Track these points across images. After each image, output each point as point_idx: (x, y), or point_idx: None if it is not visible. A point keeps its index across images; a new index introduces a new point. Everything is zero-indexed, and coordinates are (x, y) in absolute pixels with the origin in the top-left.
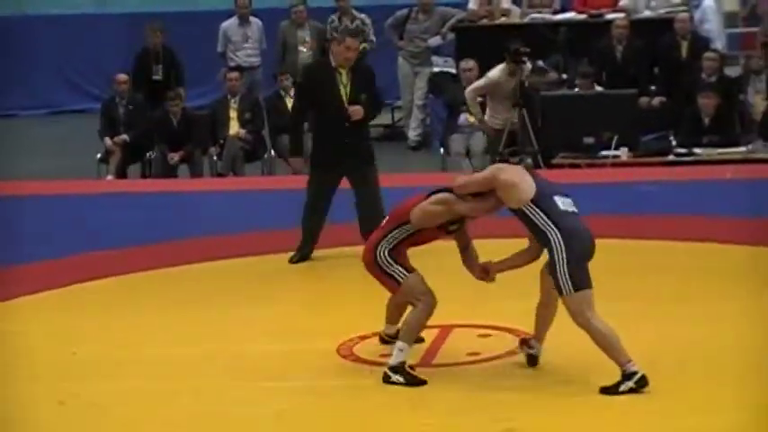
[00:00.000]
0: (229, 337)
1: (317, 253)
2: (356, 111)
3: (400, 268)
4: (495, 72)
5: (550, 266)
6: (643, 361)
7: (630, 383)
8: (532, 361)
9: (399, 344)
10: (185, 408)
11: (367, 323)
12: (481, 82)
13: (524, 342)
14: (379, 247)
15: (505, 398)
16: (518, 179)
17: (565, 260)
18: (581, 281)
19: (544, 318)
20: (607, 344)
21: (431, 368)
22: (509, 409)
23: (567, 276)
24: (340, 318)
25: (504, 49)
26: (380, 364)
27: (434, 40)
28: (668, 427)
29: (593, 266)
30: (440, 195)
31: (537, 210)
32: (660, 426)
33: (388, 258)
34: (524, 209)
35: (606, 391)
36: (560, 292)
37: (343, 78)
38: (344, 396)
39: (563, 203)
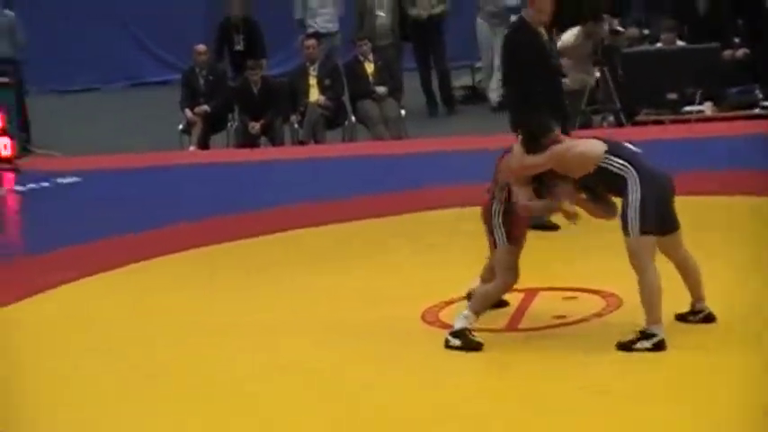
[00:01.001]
0: (313, 305)
1: (403, 217)
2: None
3: (503, 232)
4: (569, 36)
5: (623, 206)
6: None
7: (647, 343)
8: (709, 318)
9: (466, 312)
10: (283, 381)
11: (452, 288)
12: (558, 44)
13: (692, 310)
14: (495, 202)
15: (593, 361)
16: (582, 146)
17: (638, 200)
18: (649, 225)
19: (688, 277)
20: (648, 297)
21: (517, 332)
22: (597, 374)
23: (638, 217)
24: (425, 283)
25: (579, 15)
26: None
27: (512, 0)
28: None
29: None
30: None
31: (611, 157)
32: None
33: (500, 218)
34: (601, 164)
35: (623, 347)
36: (625, 232)
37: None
38: (429, 362)
39: (633, 147)
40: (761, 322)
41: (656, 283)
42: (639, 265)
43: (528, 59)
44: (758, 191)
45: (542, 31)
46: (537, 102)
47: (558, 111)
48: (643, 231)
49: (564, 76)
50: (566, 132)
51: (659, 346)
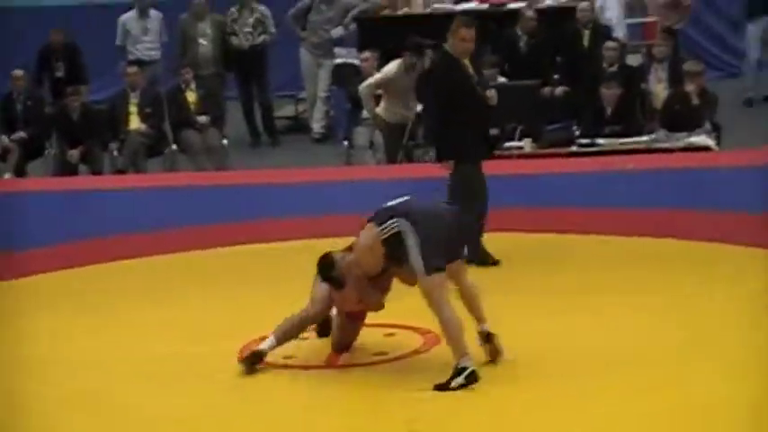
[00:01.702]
0: (132, 338)
1: (219, 251)
2: (494, 95)
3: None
4: (391, 67)
5: (406, 255)
6: (536, 353)
7: (461, 379)
8: (489, 338)
9: (271, 337)
10: (82, 416)
11: (272, 323)
12: (378, 76)
13: (480, 334)
14: None
15: (412, 398)
16: (357, 246)
17: (416, 244)
18: (435, 262)
19: (472, 302)
20: (450, 333)
21: (337, 368)
22: (414, 410)
23: (420, 259)
24: (245, 318)
25: (402, 45)
26: (283, 366)
27: (336, 31)
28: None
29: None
30: None
31: (383, 225)
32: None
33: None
34: (381, 238)
35: (439, 388)
36: (417, 274)
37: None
38: (244, 399)
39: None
40: (569, 355)
41: (454, 317)
42: (434, 303)
43: (450, 90)
44: (576, 228)
45: (465, 62)
46: (460, 132)
47: (484, 140)
48: (430, 270)
49: (490, 108)
50: (487, 157)
51: (471, 379)
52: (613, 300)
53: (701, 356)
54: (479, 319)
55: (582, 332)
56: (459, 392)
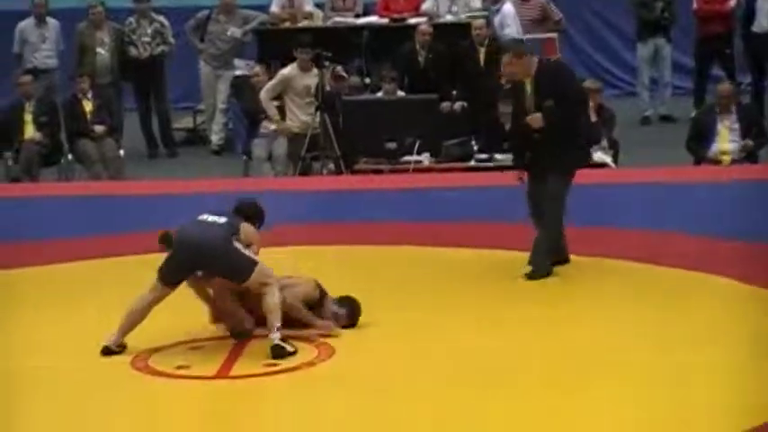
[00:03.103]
0: (17, 353)
1: (121, 259)
2: (535, 119)
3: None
4: (287, 69)
5: None
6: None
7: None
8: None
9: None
10: None
11: (161, 335)
12: (274, 81)
13: None
14: None
15: (305, 411)
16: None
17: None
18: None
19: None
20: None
21: (228, 379)
22: (306, 425)
23: None
24: (140, 329)
25: (294, 48)
26: (177, 376)
27: (235, 31)
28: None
29: (389, 275)
30: None
31: None
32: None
33: None
34: None
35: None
36: None
37: (527, 88)
38: (140, 411)
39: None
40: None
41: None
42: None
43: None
44: (469, 242)
45: (527, 86)
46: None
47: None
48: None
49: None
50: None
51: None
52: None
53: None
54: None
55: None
56: (349, 406)
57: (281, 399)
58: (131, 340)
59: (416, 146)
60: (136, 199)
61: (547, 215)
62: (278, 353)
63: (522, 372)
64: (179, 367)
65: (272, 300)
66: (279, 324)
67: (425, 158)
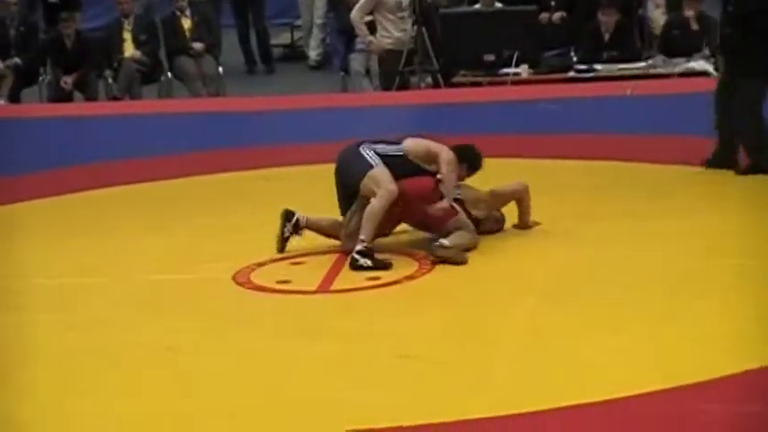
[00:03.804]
0: (125, 267)
1: (215, 177)
2: None
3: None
4: None
5: None
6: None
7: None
8: None
9: (362, 237)
10: (75, 341)
11: (264, 250)
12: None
13: None
14: None
15: (404, 324)
16: None
17: None
18: None
19: None
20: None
21: (329, 293)
22: (406, 337)
23: None
24: (236, 245)
25: None
26: (278, 291)
27: None
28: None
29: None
30: None
31: None
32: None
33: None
34: None
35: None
36: None
37: None
38: (240, 325)
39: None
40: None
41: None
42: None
43: None
44: (572, 154)
45: None
46: None
47: None
48: None
49: None
50: None
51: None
52: (615, 225)
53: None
54: None
55: (587, 260)
56: (446, 319)
57: (381, 313)
58: (234, 256)
59: (515, 58)
60: (235, 115)
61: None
62: (354, 265)
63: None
64: (280, 282)
65: (370, 208)
66: (364, 236)
67: (524, 70)
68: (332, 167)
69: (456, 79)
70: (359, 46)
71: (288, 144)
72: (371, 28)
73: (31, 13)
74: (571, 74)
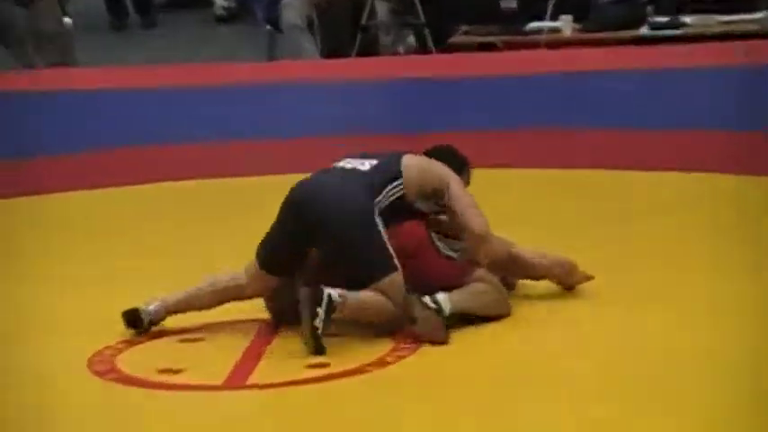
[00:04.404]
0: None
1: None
2: None
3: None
4: None
5: None
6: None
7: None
8: None
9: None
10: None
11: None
12: None
13: None
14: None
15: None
16: None
17: None
18: None
19: None
20: None
21: (244, 390)
22: None
23: None
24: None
25: None
26: (161, 386)
27: None
28: None
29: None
30: None
31: None
32: None
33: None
34: None
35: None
36: None
37: None
38: None
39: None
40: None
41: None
42: None
43: None
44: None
45: None
46: None
47: None
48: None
49: None
50: None
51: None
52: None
53: None
54: None
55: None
56: None
57: (317, 423)
58: (84, 325)
59: (550, 5)
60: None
61: None
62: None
63: None
64: (164, 371)
65: (373, 303)
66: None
67: (566, 25)
68: (232, 184)
69: (454, 39)
70: None
71: (164, 144)
72: None
73: None
74: (643, 30)
